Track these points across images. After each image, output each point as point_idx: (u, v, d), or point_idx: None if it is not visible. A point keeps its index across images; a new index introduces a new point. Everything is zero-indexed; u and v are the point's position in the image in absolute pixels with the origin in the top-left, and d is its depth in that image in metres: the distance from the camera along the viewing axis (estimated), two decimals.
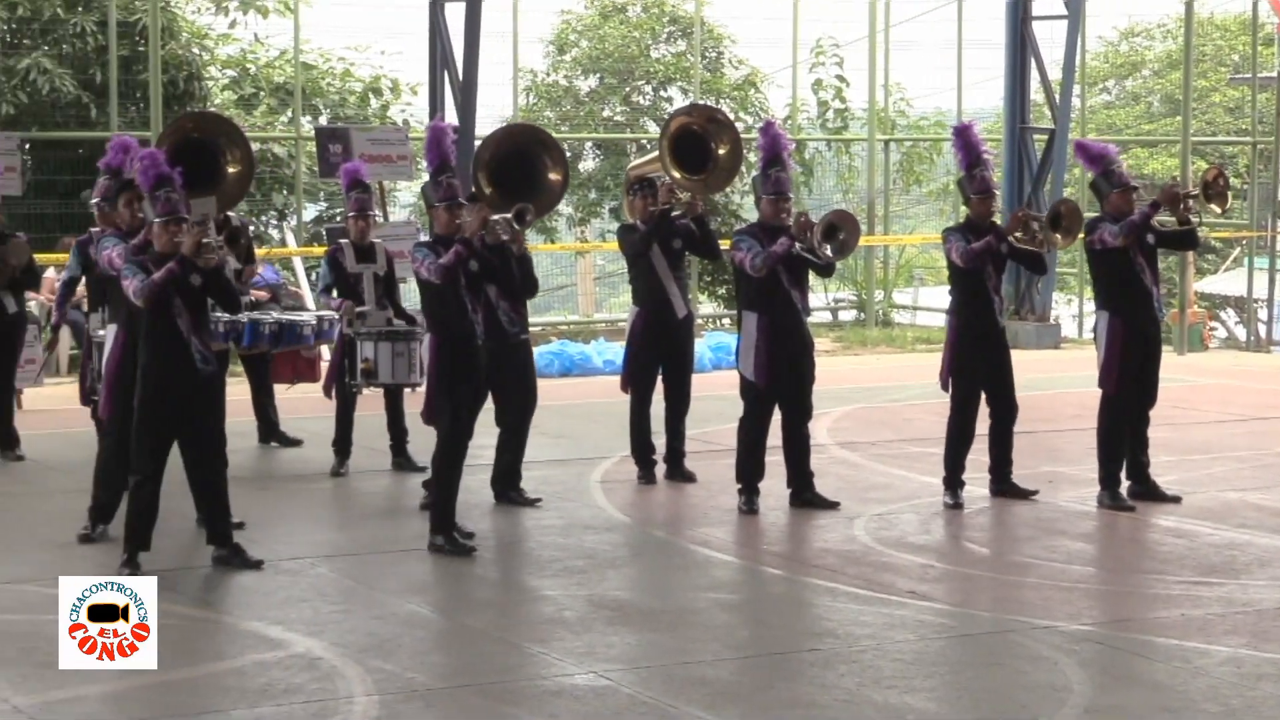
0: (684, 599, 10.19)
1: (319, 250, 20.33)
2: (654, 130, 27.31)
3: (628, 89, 28.34)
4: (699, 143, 14.07)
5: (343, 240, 13.98)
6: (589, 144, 28.50)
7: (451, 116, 20.96)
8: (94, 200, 13.03)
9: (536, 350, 21.11)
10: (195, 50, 23.83)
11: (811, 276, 12.56)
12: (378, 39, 26.30)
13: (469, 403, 11.20)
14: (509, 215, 11.27)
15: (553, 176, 13.75)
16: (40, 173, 21.77)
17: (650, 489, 13.38)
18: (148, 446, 10.42)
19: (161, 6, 22.43)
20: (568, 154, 26.95)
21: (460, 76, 21.60)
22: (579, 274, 29.32)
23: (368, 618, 9.52)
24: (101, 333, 12.09)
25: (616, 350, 20.61)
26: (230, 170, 13.25)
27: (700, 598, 10.20)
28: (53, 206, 21.82)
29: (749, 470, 12.44)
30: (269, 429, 15.15)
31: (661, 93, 28.56)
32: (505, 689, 8.35)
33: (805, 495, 12.56)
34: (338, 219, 24.53)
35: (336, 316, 13.80)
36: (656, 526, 12.29)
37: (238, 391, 13.61)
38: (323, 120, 24.75)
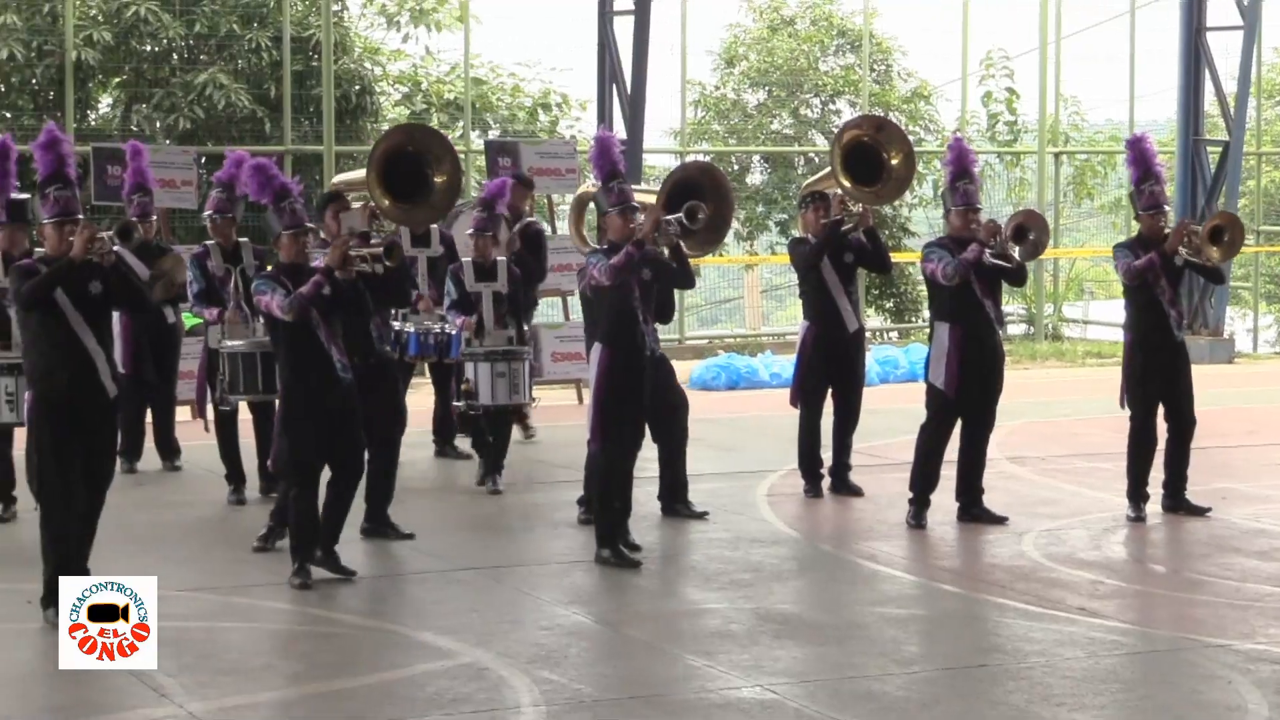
0: (851, 613, 10.15)
1: None
2: (822, 144, 27.27)
3: (796, 102, 28.30)
4: (870, 155, 13.93)
5: (465, 258, 13.68)
6: (756, 157, 28.49)
7: (620, 130, 21.05)
8: (207, 213, 13.25)
9: (702, 363, 21.24)
10: (367, 65, 24.11)
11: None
12: (547, 54, 26.49)
13: (633, 417, 11.19)
14: (680, 215, 11.21)
15: (437, 179, 13.54)
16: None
17: (816, 503, 13.34)
18: (297, 458, 10.50)
19: (335, 22, 22.75)
20: (734, 166, 27.14)
21: (629, 90, 21.69)
22: (746, 287, 29.30)
23: (535, 628, 9.57)
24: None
25: (783, 364, 20.61)
26: (438, 181, 13.39)
27: (867, 612, 10.15)
28: None
29: (922, 481, 12.36)
30: (448, 439, 15.16)
31: (830, 106, 28.51)
32: (671, 701, 8.36)
33: (973, 510, 12.46)
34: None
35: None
36: (823, 540, 12.25)
37: (416, 401, 13.68)
38: (493, 135, 24.93)
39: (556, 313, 20.04)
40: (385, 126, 23.90)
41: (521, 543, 12.02)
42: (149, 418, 14.65)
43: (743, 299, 29.63)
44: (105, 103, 24.00)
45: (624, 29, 21.84)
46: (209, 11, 22.59)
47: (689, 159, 15.51)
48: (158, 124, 22.63)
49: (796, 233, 14.60)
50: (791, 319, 29.90)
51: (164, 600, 9.89)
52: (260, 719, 8.11)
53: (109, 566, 10.23)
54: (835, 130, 17.96)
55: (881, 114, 24.68)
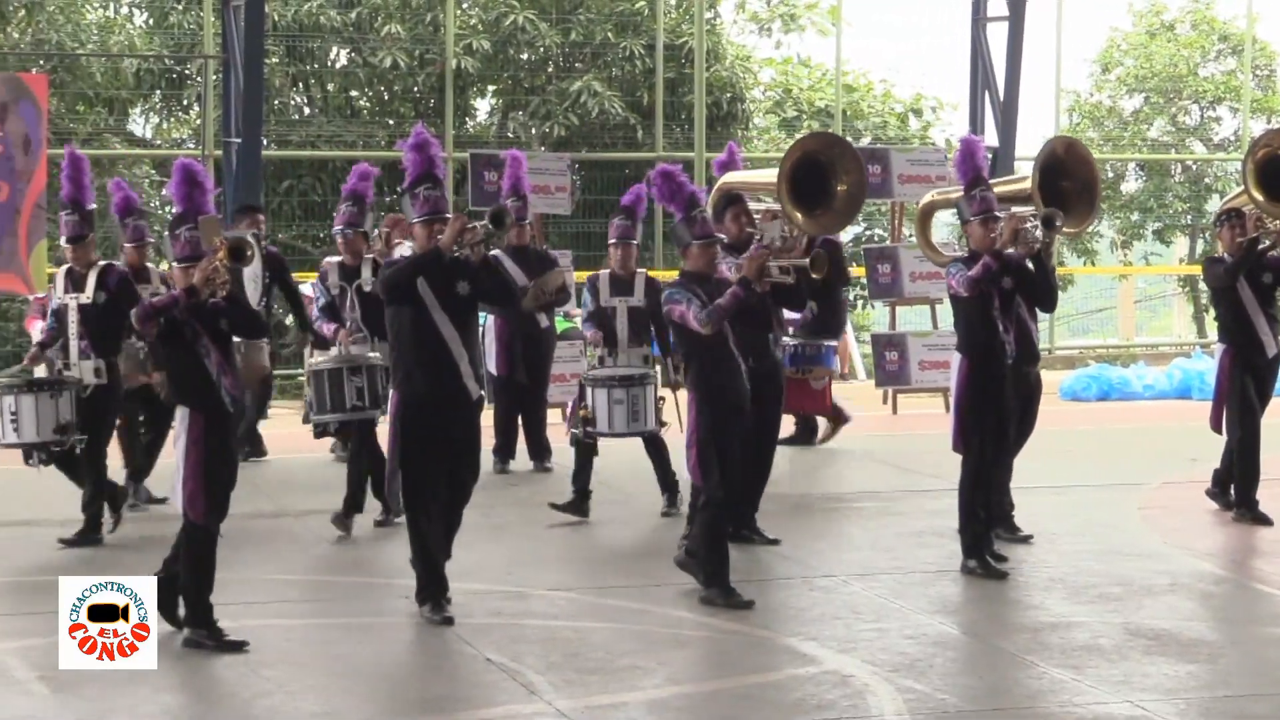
0: (1226, 631, 9.88)
1: (858, 270, 20.44)
2: (1200, 151, 26.65)
3: (1174, 109, 27.65)
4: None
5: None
6: (1132, 165, 27.90)
7: (991, 137, 20.82)
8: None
9: (1073, 373, 20.89)
10: (739, 73, 24.24)
11: None
12: (917, 59, 26.31)
13: (995, 426, 11.01)
14: (1037, 221, 10.99)
15: (840, 188, 13.06)
16: (589, 193, 22.46)
17: (1204, 517, 12.93)
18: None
19: (707, 30, 22.93)
20: (1109, 174, 26.62)
21: (1001, 96, 21.42)
22: (1119, 297, 28.74)
23: (899, 637, 9.50)
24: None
25: (1156, 375, 20.20)
26: (839, 189, 13.14)
27: (1244, 631, 9.86)
28: (599, 226, 22.49)
29: None
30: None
31: (1209, 112, 27.79)
32: (1036, 714, 8.24)
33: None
34: (874, 237, 24.69)
35: None
36: (1200, 556, 11.92)
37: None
38: (864, 142, 24.87)
39: (924, 320, 19.89)
40: (754, 134, 24.09)
41: (883, 551, 11.94)
42: (520, 419, 14.90)
43: (1115, 309, 29.07)
44: (483, 110, 24.57)
45: (997, 34, 21.57)
46: (584, 20, 22.99)
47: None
48: (533, 131, 23.10)
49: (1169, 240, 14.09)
50: (1164, 330, 29.26)
51: (531, 599, 10.15)
52: (630, 718, 8.19)
53: (470, 559, 10.51)
54: (1228, 140, 17.41)
55: (1265, 124, 23.93)
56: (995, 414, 10.95)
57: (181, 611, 9.21)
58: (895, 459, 14.46)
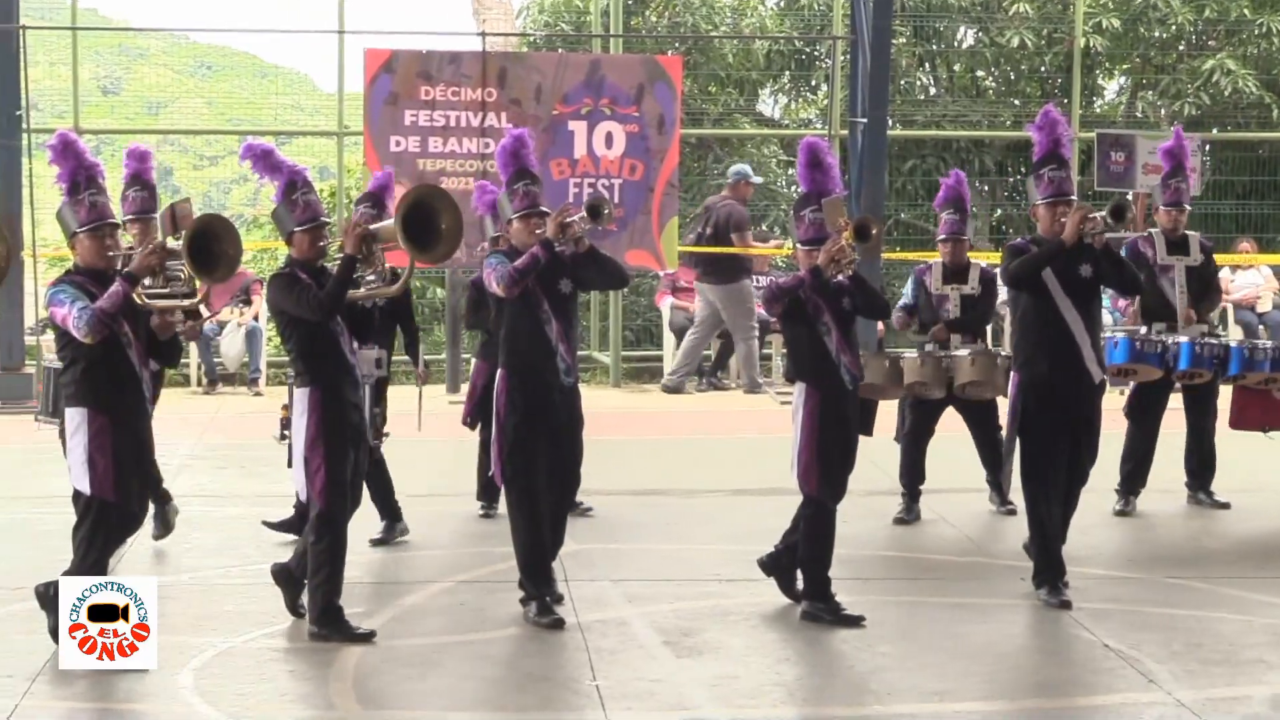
0: None
1: None
2: None
3: None
4: None
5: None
6: None
7: None
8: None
9: None
10: None
11: None
12: None
13: None
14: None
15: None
16: (1219, 173, 21.85)
17: None
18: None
19: None
20: None
21: None
22: None
23: None
24: None
25: None
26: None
27: None
28: (1229, 208, 21.89)
29: None
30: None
31: None
32: None
33: None
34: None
35: None
36: None
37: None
38: None
39: None
40: None
41: None
42: None
43: None
44: (1111, 89, 24.17)
45: None
46: None
47: None
48: (1161, 111, 22.59)
49: None
50: None
51: (1147, 586, 9.96)
52: (1250, 713, 7.95)
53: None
54: None
55: None
56: None
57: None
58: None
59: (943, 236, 12.22)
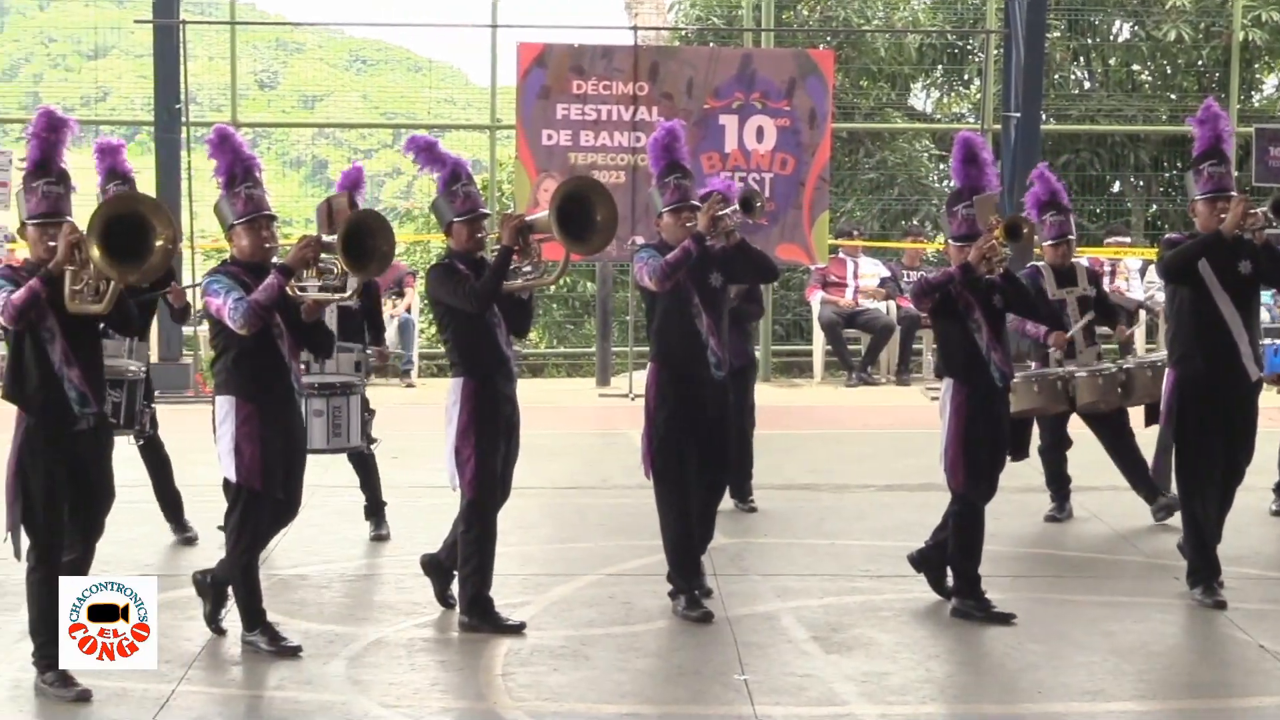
0: None
1: None
2: None
3: None
4: None
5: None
6: None
7: None
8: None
9: None
10: None
11: None
12: None
13: None
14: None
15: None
16: None
17: None
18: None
19: None
20: None
21: None
22: None
23: None
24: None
25: None
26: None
27: None
28: None
29: None
30: None
31: None
32: None
33: None
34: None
35: None
36: None
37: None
38: None
39: None
40: None
41: None
42: None
43: None
44: (1270, 84, 23.82)
45: None
46: None
47: None
48: None
49: None
50: None
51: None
52: None
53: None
54: None
55: None
56: None
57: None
58: None
59: (1053, 240, 11.80)
